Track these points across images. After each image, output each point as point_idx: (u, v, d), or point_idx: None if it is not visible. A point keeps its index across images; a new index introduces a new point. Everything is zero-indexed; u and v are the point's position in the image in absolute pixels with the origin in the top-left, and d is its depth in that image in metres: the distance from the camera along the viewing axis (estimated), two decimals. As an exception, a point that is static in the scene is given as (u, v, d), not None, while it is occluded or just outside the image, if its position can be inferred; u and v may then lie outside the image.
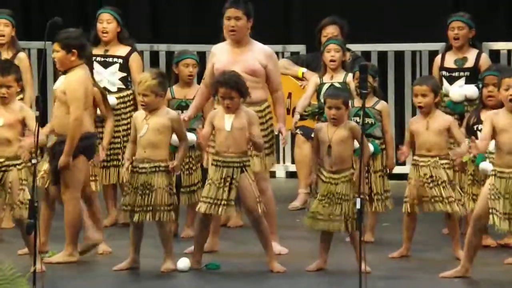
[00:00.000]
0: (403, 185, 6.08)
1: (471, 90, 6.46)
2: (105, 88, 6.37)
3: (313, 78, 6.59)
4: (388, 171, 6.23)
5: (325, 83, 6.51)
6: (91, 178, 5.98)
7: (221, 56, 6.00)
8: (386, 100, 7.17)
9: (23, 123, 5.61)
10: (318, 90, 6.52)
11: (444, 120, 5.89)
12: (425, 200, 5.82)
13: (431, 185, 5.82)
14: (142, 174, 5.64)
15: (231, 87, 5.64)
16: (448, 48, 6.65)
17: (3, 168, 5.58)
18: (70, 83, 5.73)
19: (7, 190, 5.55)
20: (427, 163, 5.83)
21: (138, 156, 5.69)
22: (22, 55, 6.67)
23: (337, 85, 6.43)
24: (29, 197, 5.39)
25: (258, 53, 5.97)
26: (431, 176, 5.81)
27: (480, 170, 5.90)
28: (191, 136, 6.35)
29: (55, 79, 7.18)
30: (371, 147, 6.13)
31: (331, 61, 6.48)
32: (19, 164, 5.61)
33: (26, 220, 4.97)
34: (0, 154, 5.57)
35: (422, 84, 5.93)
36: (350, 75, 6.45)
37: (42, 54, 7.68)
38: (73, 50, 5.75)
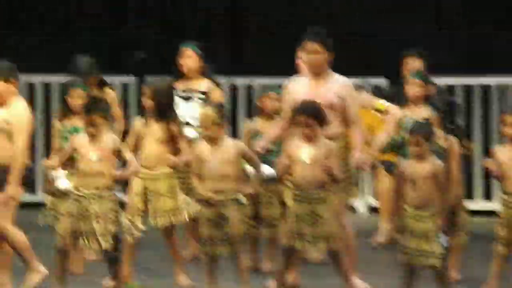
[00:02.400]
0: (489, 221, 5.95)
1: None
2: (187, 123, 6.43)
3: (394, 112, 6.53)
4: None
5: (407, 116, 6.45)
6: None
7: (300, 89, 5.99)
8: (471, 135, 7.01)
9: (118, 154, 5.69)
10: (399, 124, 6.47)
11: None
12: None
13: None
14: (215, 207, 5.64)
15: (311, 115, 5.62)
16: None
17: (94, 199, 5.65)
18: (17, 113, 5.72)
19: (95, 221, 5.62)
20: None
21: (207, 188, 5.69)
22: (109, 90, 6.76)
23: (419, 120, 6.34)
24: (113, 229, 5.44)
25: (336, 86, 5.95)
26: None
27: None
28: (269, 169, 6.34)
29: (138, 113, 7.24)
30: None
31: (412, 95, 6.41)
32: (109, 196, 5.68)
33: (111, 252, 5.01)
34: (92, 186, 5.65)
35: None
36: (428, 109, 6.35)
37: (126, 89, 7.73)
38: (12, 80, 5.76)
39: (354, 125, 5.95)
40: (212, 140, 5.72)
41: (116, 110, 6.68)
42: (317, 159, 5.63)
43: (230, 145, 5.70)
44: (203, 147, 5.75)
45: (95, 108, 5.73)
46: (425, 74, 6.54)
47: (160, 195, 5.99)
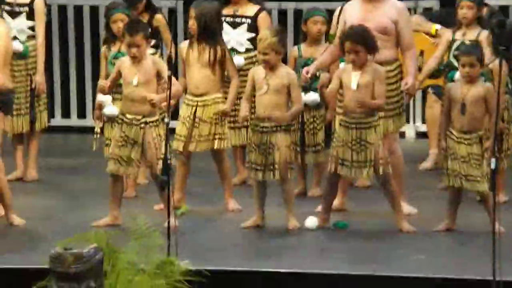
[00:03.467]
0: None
1: None
2: (232, 49, 6.42)
3: (445, 35, 6.43)
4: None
5: (457, 40, 6.35)
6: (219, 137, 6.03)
7: (352, 13, 5.92)
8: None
9: (158, 76, 5.69)
10: (449, 47, 6.38)
11: None
12: None
13: None
14: (263, 134, 5.67)
15: (357, 42, 5.57)
16: None
17: (141, 125, 5.69)
18: None
19: (145, 147, 5.68)
20: None
21: (258, 115, 5.71)
22: (159, 16, 6.77)
23: (468, 42, 6.26)
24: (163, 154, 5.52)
25: (389, 9, 5.86)
26: None
27: None
28: (314, 96, 6.34)
29: (185, 38, 7.28)
30: None
31: (463, 18, 6.30)
32: (155, 121, 5.72)
33: (161, 177, 5.10)
34: (137, 111, 5.69)
35: None
36: (484, 32, 6.24)
37: (173, 14, 7.79)
38: None
39: (407, 50, 5.87)
40: (269, 66, 5.69)
41: (166, 35, 6.68)
42: (364, 85, 5.59)
43: (284, 74, 5.68)
44: (259, 72, 5.73)
45: (135, 29, 5.70)
46: None
47: (207, 120, 6.01)
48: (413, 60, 5.90)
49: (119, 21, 6.30)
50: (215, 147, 6.02)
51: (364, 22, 5.82)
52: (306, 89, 6.31)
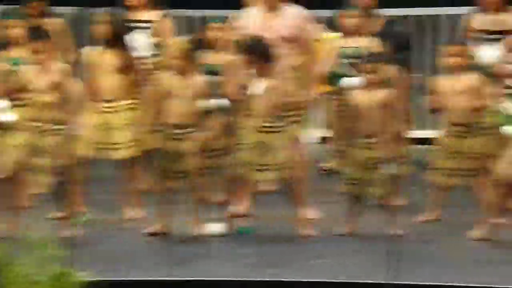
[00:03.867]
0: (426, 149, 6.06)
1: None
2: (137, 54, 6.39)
3: (335, 43, 6.57)
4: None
5: (345, 47, 6.49)
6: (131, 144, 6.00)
7: (252, 21, 5.97)
8: (423, 66, 7.03)
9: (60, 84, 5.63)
10: (339, 54, 6.52)
11: (472, 79, 5.83)
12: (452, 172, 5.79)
13: (459, 156, 5.77)
14: (173, 140, 5.66)
15: (255, 53, 5.64)
16: (481, 9, 6.53)
17: (51, 133, 5.64)
18: None
19: (42, 154, 5.64)
20: (456, 132, 5.78)
21: (169, 121, 5.71)
22: (57, 21, 6.66)
23: (357, 50, 6.40)
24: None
25: (290, 17, 5.93)
26: (458, 147, 5.76)
27: (505, 132, 5.82)
28: (223, 101, 6.36)
29: (91, 45, 7.13)
30: None
31: (349, 26, 6.45)
32: (61, 129, 5.66)
33: (63, 185, 5.03)
34: (49, 118, 5.63)
35: (455, 44, 5.85)
36: (372, 39, 6.40)
37: (78, 20, 7.67)
38: None
39: (306, 58, 5.94)
40: (180, 72, 5.68)
41: (65, 41, 6.61)
42: (271, 91, 5.64)
43: (195, 80, 5.68)
44: (169, 78, 5.72)
45: (37, 36, 5.65)
46: (363, 5, 6.52)
47: (119, 127, 5.97)
48: (311, 67, 5.97)
49: (15, 27, 6.22)
50: (126, 154, 5.98)
51: (265, 31, 5.88)
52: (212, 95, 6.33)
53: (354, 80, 6.29)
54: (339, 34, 6.84)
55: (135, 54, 6.32)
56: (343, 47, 6.50)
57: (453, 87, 5.83)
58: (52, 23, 6.57)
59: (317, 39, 7.00)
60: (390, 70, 6.14)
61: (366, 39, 6.46)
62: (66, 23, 6.76)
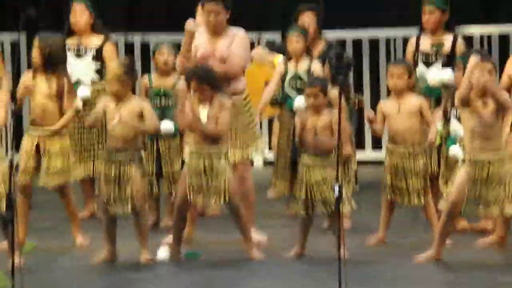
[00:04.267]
0: (379, 170, 6.12)
1: (448, 75, 6.49)
2: (78, 80, 6.34)
3: (278, 67, 6.61)
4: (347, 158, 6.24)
5: (290, 71, 6.54)
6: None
7: (199, 44, 5.96)
8: (361, 87, 7.16)
9: None
10: (282, 78, 6.55)
11: (416, 101, 5.91)
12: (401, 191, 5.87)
13: (405, 176, 5.85)
14: (116, 165, 5.63)
15: (201, 81, 5.67)
16: (423, 31, 6.64)
17: None
18: None
19: None
20: (401, 153, 5.85)
21: (110, 146, 5.68)
22: None
23: (302, 73, 6.47)
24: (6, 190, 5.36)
25: (231, 39, 5.96)
26: (404, 167, 5.84)
27: (450, 154, 5.93)
28: (169, 125, 6.36)
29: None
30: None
31: (293, 51, 6.51)
32: None
33: (4, 213, 4.95)
34: None
35: (398, 66, 5.95)
36: (315, 62, 6.48)
37: (16, 47, 7.62)
38: None
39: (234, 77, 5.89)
40: (116, 97, 5.67)
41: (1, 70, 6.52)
42: (213, 118, 5.67)
43: (134, 103, 5.67)
44: (109, 104, 5.70)
45: None
46: (305, 28, 6.60)
47: (52, 153, 5.91)
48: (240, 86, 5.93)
49: None
50: (61, 181, 5.92)
51: (209, 54, 5.91)
52: (160, 118, 6.32)
53: (302, 99, 6.34)
54: (282, 57, 6.92)
55: (75, 79, 6.28)
56: (287, 70, 6.55)
57: (396, 109, 5.91)
58: None
59: (266, 63, 7.07)
60: (331, 92, 6.23)
61: (308, 62, 6.51)
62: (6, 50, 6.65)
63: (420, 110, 5.91)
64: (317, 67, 6.44)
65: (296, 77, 6.52)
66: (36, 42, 5.94)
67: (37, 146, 5.93)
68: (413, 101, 5.95)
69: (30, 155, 5.91)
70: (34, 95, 5.92)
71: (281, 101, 6.57)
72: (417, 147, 5.90)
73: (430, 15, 6.50)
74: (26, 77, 5.97)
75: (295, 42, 6.50)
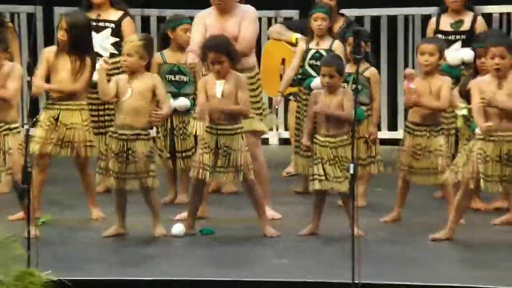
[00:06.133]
0: (393, 150, 6.11)
1: (468, 54, 6.44)
2: (97, 53, 6.36)
3: (300, 46, 6.57)
4: (370, 137, 6.23)
5: (311, 49, 6.50)
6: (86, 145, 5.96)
7: (210, 22, 5.95)
8: (379, 66, 7.14)
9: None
10: (304, 56, 6.52)
11: (441, 81, 5.87)
12: (417, 170, 5.84)
13: (424, 155, 5.82)
14: (122, 141, 5.61)
15: (221, 52, 5.62)
16: (443, 10, 6.60)
17: (4, 133, 5.56)
18: None
19: (5, 155, 5.54)
20: (422, 132, 5.82)
21: (118, 122, 5.66)
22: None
23: (323, 52, 6.44)
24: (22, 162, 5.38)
25: (240, 17, 5.93)
26: (425, 146, 5.81)
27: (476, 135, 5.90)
28: (185, 101, 6.35)
29: (45, 44, 7.10)
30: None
31: (318, 29, 6.46)
32: (15, 129, 5.59)
33: (20, 185, 4.98)
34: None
35: (430, 43, 5.89)
36: (337, 42, 6.44)
37: (32, 19, 7.62)
38: None
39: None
40: (131, 71, 5.64)
41: (14, 41, 6.51)
42: (228, 93, 5.63)
43: (146, 78, 5.64)
44: (121, 77, 5.68)
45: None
46: (329, 7, 6.57)
47: (73, 126, 5.92)
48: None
49: None
50: (81, 154, 5.93)
51: (219, 32, 5.88)
52: (176, 95, 6.31)
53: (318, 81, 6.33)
54: (299, 35, 6.88)
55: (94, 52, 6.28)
56: (309, 49, 6.50)
57: (426, 87, 5.85)
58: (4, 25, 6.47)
59: (286, 41, 7.03)
60: (370, 71, 6.16)
61: (330, 41, 6.48)
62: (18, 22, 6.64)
63: (440, 89, 5.83)
64: (338, 47, 6.40)
65: (317, 56, 6.49)
66: (63, 22, 5.94)
67: (56, 119, 5.93)
68: (439, 81, 5.87)
69: (48, 128, 5.92)
70: (56, 73, 5.94)
71: (300, 79, 6.55)
72: (438, 127, 5.87)
73: None
74: (49, 53, 5.98)
75: (320, 20, 6.44)
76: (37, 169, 5.88)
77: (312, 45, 6.52)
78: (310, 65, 6.50)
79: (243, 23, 5.88)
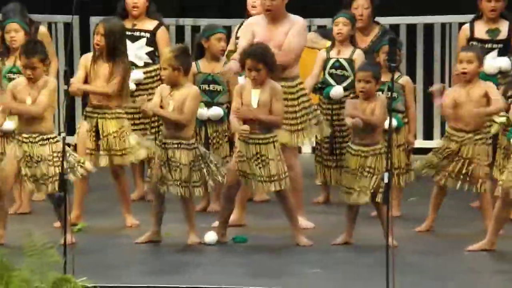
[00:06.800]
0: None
1: (505, 63, 6.40)
2: (132, 63, 6.40)
3: (320, 54, 6.55)
4: (408, 146, 6.21)
5: (331, 58, 6.48)
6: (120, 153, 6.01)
7: (258, 30, 5.96)
8: (414, 74, 7.10)
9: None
10: (324, 65, 6.51)
11: (483, 87, 5.80)
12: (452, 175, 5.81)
13: (460, 160, 5.79)
14: (168, 150, 5.66)
15: (258, 59, 5.63)
16: (477, 18, 6.56)
17: (39, 143, 5.64)
18: None
19: (37, 163, 5.61)
20: (461, 138, 5.79)
21: (163, 131, 5.73)
22: (42, 29, 6.65)
23: (343, 61, 6.42)
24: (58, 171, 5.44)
25: (289, 27, 5.94)
26: (465, 153, 5.77)
27: None
28: (218, 110, 6.38)
29: (81, 53, 7.18)
30: (394, 122, 6.12)
31: (338, 34, 6.43)
32: (52, 139, 5.67)
33: (57, 193, 5.03)
34: (33, 130, 5.64)
35: (469, 51, 5.87)
36: (358, 51, 6.40)
37: (69, 28, 7.71)
38: None
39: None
40: (169, 83, 5.69)
41: (50, 49, 6.60)
42: (263, 102, 5.65)
43: (185, 89, 5.68)
44: (165, 87, 5.73)
45: (31, 51, 5.65)
46: (353, 16, 6.54)
47: (110, 134, 5.97)
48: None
49: (12, 31, 6.22)
50: (116, 162, 5.98)
51: (266, 41, 5.89)
52: (209, 104, 6.33)
53: (340, 90, 6.32)
54: (328, 42, 6.88)
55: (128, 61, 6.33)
56: (330, 58, 6.48)
57: (464, 95, 5.80)
58: (39, 33, 6.55)
59: (320, 48, 7.03)
60: (403, 78, 6.12)
61: (351, 50, 6.42)
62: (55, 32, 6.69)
63: (486, 96, 5.77)
64: (359, 56, 6.38)
65: (337, 65, 6.47)
66: (100, 27, 6.00)
67: (95, 128, 5.99)
68: (481, 87, 5.82)
69: (88, 136, 5.97)
70: (94, 79, 5.99)
71: (320, 88, 6.53)
72: (479, 134, 5.82)
73: (496, 2, 6.39)
74: (86, 59, 6.04)
75: (341, 25, 6.41)
76: (78, 178, 5.87)
77: (333, 54, 6.49)
78: (330, 74, 6.50)
79: (290, 33, 5.88)
